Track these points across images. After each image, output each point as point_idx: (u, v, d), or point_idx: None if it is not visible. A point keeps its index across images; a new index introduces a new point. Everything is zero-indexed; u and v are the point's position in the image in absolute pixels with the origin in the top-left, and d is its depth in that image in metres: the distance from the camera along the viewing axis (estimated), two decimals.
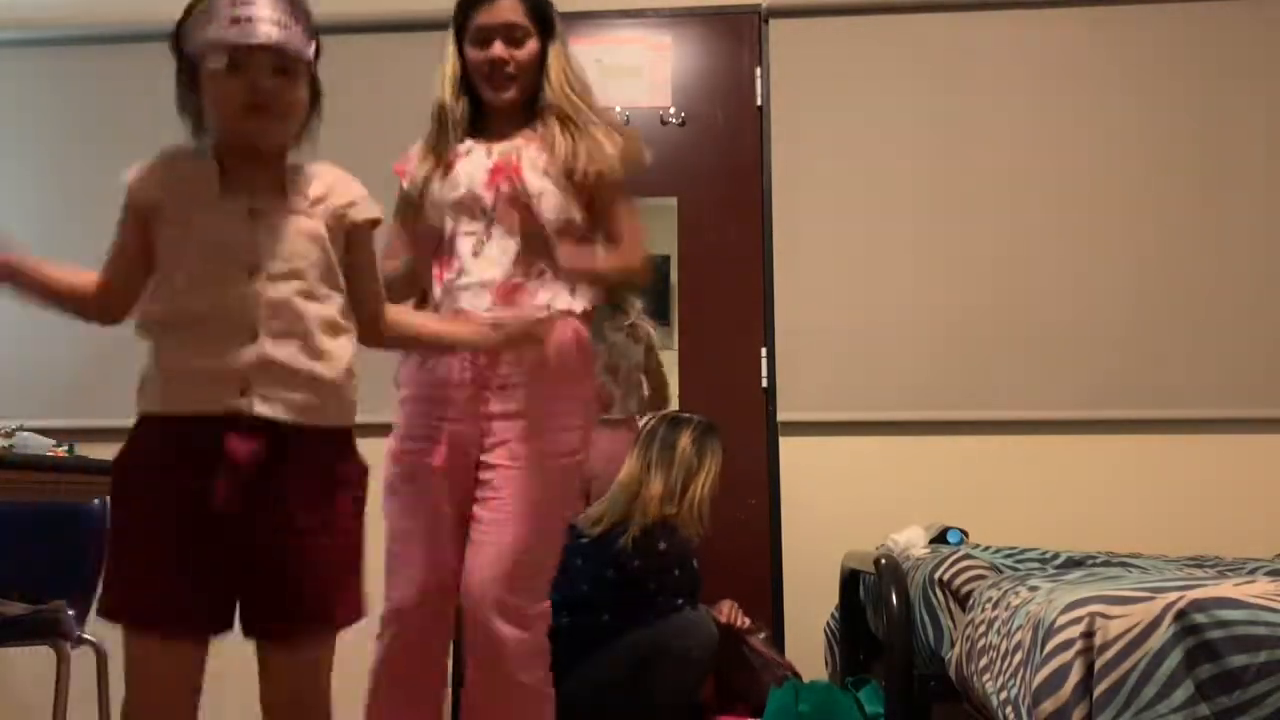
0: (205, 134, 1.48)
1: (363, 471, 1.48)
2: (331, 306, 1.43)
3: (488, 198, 1.91)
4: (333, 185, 1.47)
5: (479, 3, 1.96)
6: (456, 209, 1.93)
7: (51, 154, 3.58)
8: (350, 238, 1.47)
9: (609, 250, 1.96)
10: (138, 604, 1.36)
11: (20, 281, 1.46)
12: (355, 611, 1.46)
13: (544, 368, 1.84)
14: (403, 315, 1.63)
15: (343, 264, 1.46)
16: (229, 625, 1.39)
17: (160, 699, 1.37)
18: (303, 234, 1.41)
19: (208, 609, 1.37)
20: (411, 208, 1.98)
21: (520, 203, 1.90)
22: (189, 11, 1.45)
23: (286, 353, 1.36)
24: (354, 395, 1.46)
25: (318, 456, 1.40)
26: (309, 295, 1.40)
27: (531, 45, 1.96)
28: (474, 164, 1.94)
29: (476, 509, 1.86)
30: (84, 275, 1.51)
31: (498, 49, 1.94)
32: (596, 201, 1.95)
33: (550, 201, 1.91)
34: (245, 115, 1.38)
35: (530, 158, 1.93)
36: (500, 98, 1.96)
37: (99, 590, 1.41)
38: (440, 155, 1.95)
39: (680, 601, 2.64)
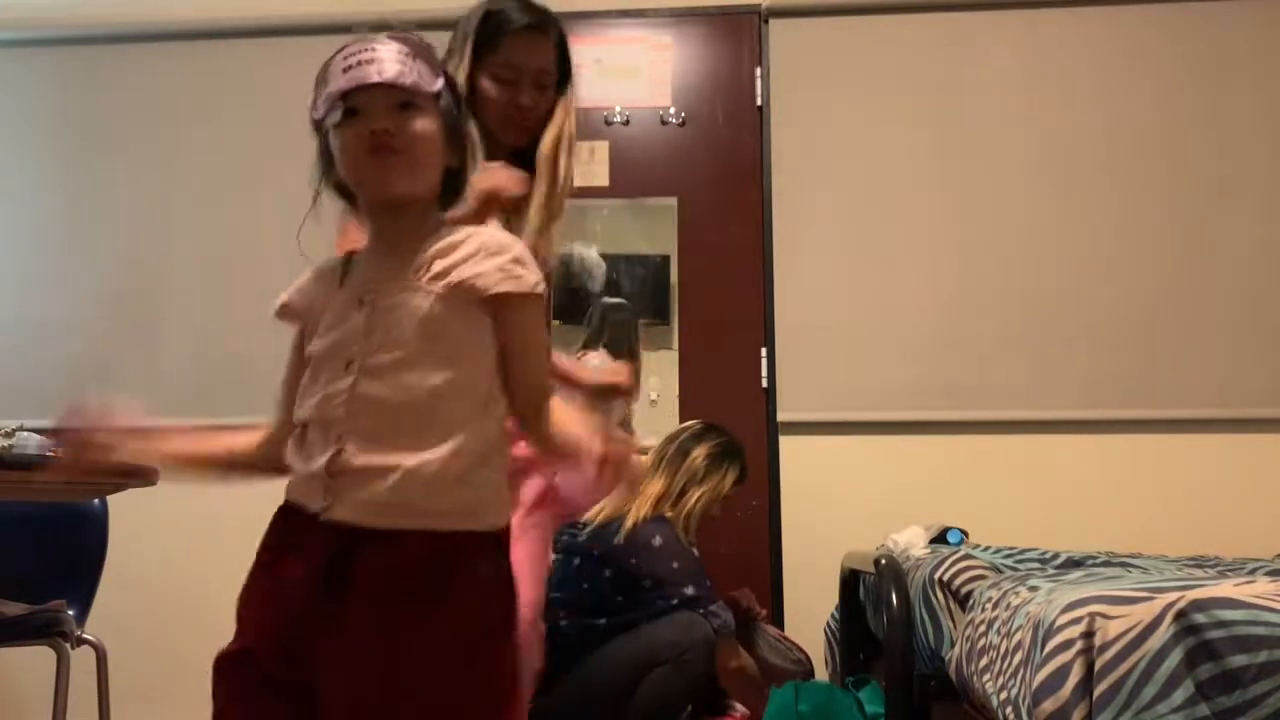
0: (359, 212, 1.33)
1: (484, 592, 1.21)
2: (445, 397, 1.21)
3: None
4: (469, 255, 1.25)
5: (516, 34, 1.77)
6: None
7: (52, 154, 3.58)
8: (494, 315, 1.25)
9: None
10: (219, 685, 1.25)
11: (122, 452, 1.30)
12: None
13: None
14: (561, 415, 1.30)
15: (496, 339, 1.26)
16: None
17: None
18: (410, 316, 1.22)
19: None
20: None
21: None
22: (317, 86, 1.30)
23: (368, 452, 1.19)
24: (474, 495, 1.22)
25: (398, 563, 1.17)
26: (409, 386, 1.20)
27: (551, 95, 1.82)
28: None
29: None
30: (243, 435, 1.35)
31: (526, 96, 1.78)
32: None
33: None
34: (367, 159, 1.24)
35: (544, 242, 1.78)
36: (510, 144, 1.81)
37: None
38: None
39: (675, 602, 2.62)
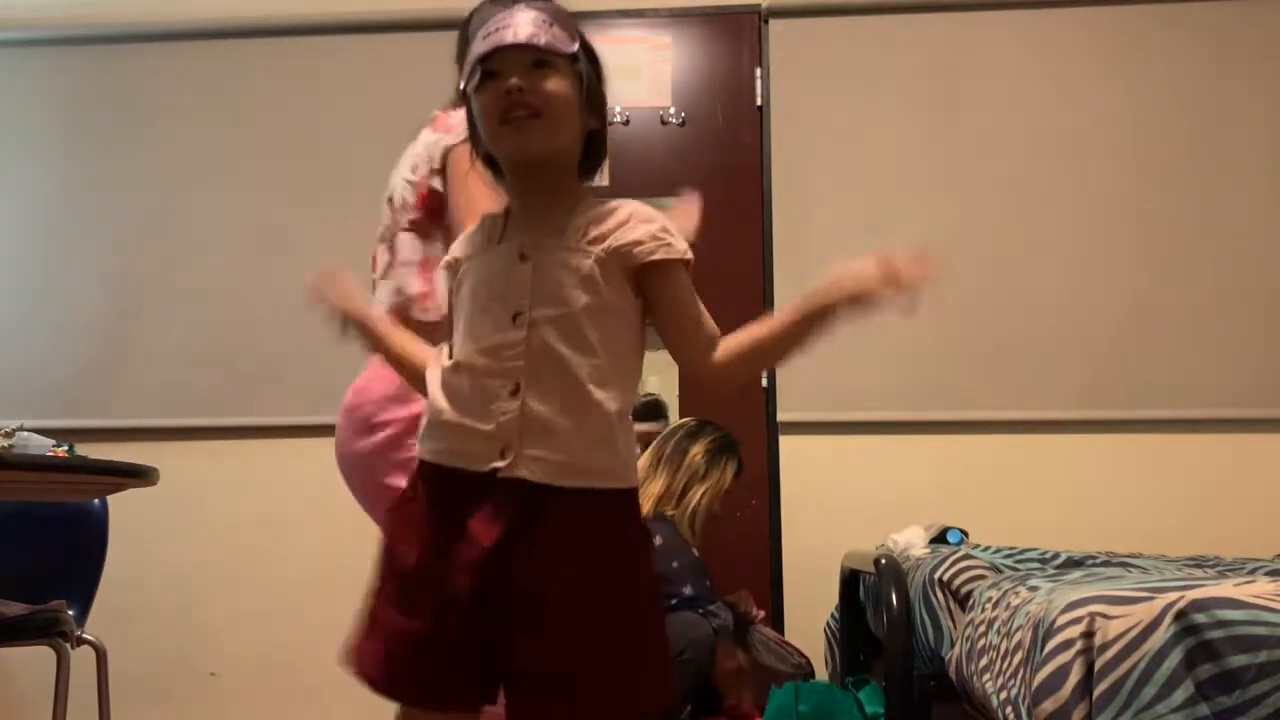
0: (504, 182, 1.39)
1: (636, 541, 1.32)
2: (600, 356, 1.28)
3: None
4: (622, 222, 1.31)
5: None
6: None
7: (52, 154, 3.58)
8: (643, 280, 1.32)
9: None
10: (377, 670, 1.28)
11: (362, 331, 1.43)
12: (632, 701, 1.28)
13: None
14: (735, 338, 1.39)
15: (651, 306, 1.34)
16: (491, 700, 1.28)
17: None
18: (572, 275, 1.28)
19: (458, 684, 1.26)
20: None
21: None
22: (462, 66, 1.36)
23: (548, 407, 1.25)
24: (624, 454, 1.30)
25: (578, 521, 1.25)
26: (576, 343, 1.27)
27: None
28: None
29: None
30: (424, 351, 1.42)
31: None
32: None
33: None
34: (504, 120, 1.28)
35: None
36: None
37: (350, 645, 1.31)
38: None
39: (674, 602, 2.63)
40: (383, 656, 1.28)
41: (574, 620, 1.23)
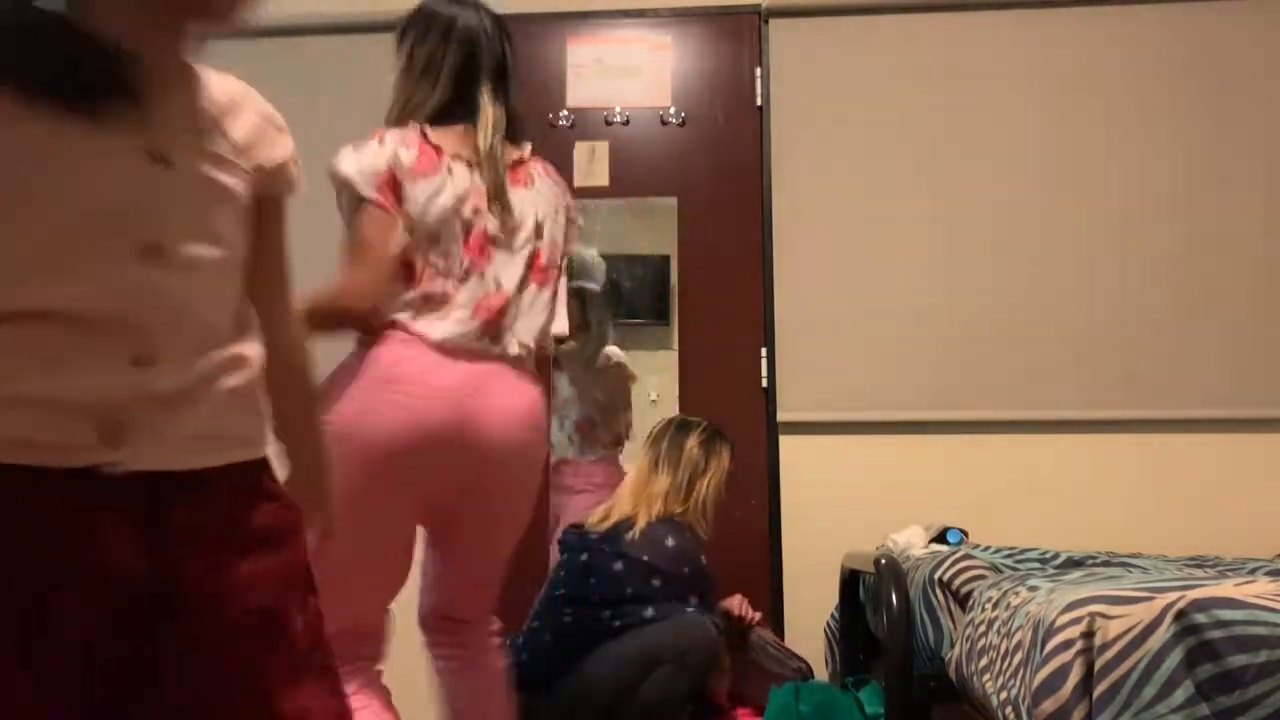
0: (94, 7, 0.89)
1: (286, 517, 1.01)
2: (240, 299, 0.99)
3: None
4: (259, 129, 1.01)
5: None
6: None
7: None
8: (270, 204, 1.03)
9: None
10: None
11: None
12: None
13: None
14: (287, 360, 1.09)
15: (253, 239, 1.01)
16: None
17: None
18: (221, 196, 0.95)
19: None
20: None
21: None
22: None
23: (186, 376, 0.90)
24: (261, 414, 1.01)
25: (223, 507, 0.94)
26: (220, 289, 0.95)
27: None
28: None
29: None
30: None
31: None
32: None
33: None
34: None
35: None
36: None
37: None
38: None
39: (685, 608, 2.63)
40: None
41: (220, 630, 0.92)
